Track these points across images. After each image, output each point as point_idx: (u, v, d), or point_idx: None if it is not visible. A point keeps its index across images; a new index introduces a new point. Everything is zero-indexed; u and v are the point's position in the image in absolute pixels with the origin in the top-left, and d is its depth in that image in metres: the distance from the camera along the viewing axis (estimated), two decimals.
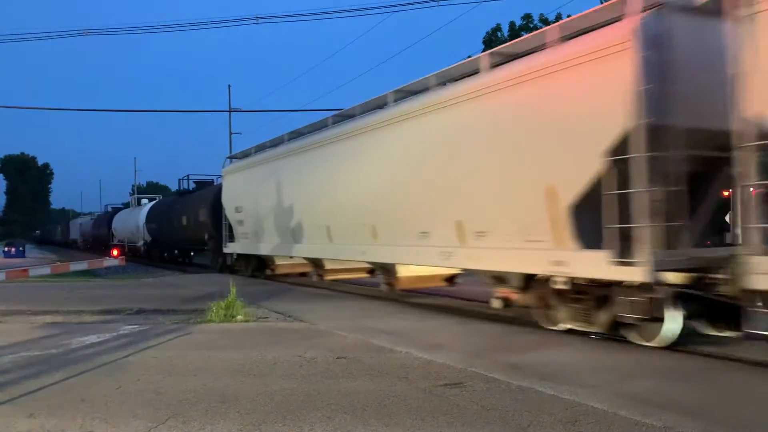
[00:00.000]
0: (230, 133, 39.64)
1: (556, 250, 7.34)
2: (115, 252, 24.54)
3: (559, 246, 7.34)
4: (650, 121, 6.21)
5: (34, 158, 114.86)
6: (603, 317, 7.08)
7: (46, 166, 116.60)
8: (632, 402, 4.68)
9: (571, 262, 7.15)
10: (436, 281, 11.78)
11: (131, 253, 33.09)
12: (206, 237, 21.61)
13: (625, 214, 6.45)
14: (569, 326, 7.58)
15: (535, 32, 8.53)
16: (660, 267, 6.25)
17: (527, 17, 32.43)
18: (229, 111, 39.15)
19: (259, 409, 4.70)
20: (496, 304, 8.72)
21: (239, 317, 9.31)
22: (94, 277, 20.33)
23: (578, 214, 7.11)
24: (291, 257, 15.59)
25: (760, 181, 5.54)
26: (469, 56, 10.97)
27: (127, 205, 47.16)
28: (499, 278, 8.56)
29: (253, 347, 7.15)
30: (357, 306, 11.23)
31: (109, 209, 48.69)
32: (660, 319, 6.46)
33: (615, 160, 6.51)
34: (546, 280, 7.66)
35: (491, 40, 31.77)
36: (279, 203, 14.84)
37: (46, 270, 12.13)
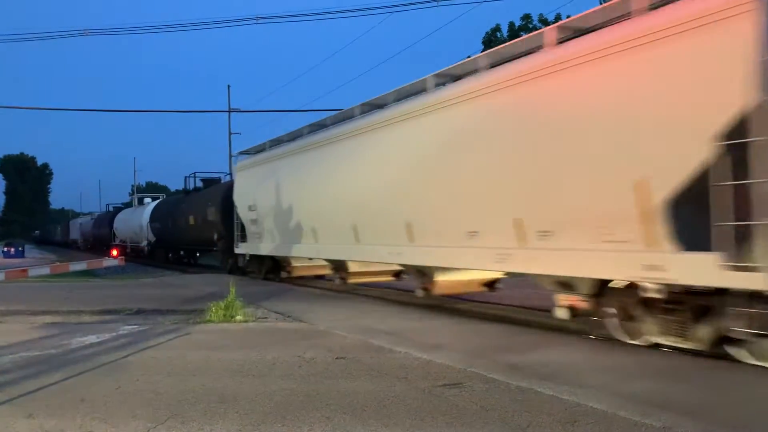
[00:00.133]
0: (230, 133, 39.70)
1: (648, 252, 6.26)
2: (114, 252, 24.35)
3: (650, 247, 6.25)
4: None
5: (33, 158, 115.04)
6: (704, 331, 6.10)
7: (45, 166, 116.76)
8: (632, 402, 4.67)
9: (669, 266, 6.06)
10: (474, 286, 10.70)
11: (134, 253, 32.44)
12: (215, 237, 20.70)
13: (741, 210, 5.44)
14: (657, 341, 6.60)
15: None
16: None
17: (526, 17, 32.48)
18: (229, 111, 39.17)
19: (258, 410, 4.69)
20: (560, 313, 7.69)
21: (238, 317, 9.30)
22: (94, 277, 20.31)
23: (676, 210, 6.03)
24: (310, 259, 14.78)
25: None
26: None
27: (127, 205, 46.59)
28: (565, 284, 7.51)
29: (252, 347, 7.14)
30: (356, 306, 11.22)
31: (111, 209, 47.91)
32: None
33: (729, 145, 5.46)
34: (627, 286, 6.75)
35: (490, 40, 31.80)
36: (297, 200, 13.91)
37: (46, 270, 12.14)
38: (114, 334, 8.31)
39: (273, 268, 16.90)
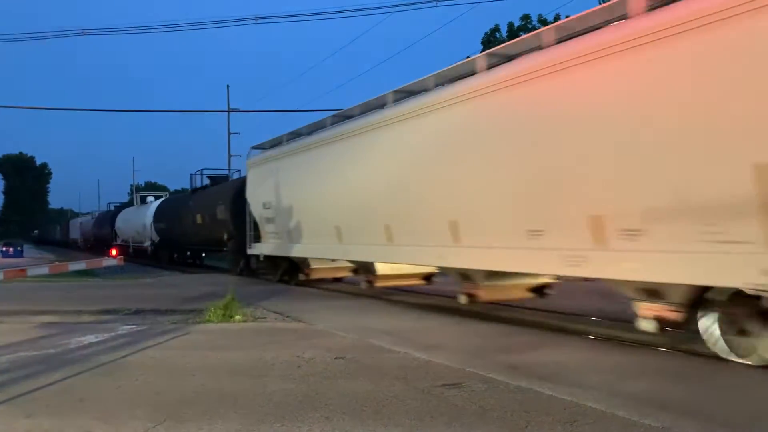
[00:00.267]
0: (229, 133, 39.77)
1: None
2: (113, 252, 24.19)
3: None
4: None
5: (32, 158, 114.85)
6: None
7: (44, 165, 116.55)
8: (631, 402, 4.67)
9: None
10: (520, 292, 9.45)
11: (136, 254, 31.47)
12: (225, 237, 19.69)
13: None
14: None
15: None
16: None
17: (526, 18, 32.51)
18: (228, 111, 39.25)
19: (257, 410, 4.69)
20: (647, 325, 6.55)
21: (237, 317, 9.30)
22: (93, 277, 20.30)
23: None
24: (333, 260, 13.85)
25: None
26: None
27: (127, 205, 45.97)
28: (653, 291, 6.45)
29: (251, 347, 7.14)
30: (355, 306, 11.22)
31: (112, 207, 46.85)
32: None
33: None
34: (734, 294, 5.79)
35: (489, 40, 31.82)
36: (320, 197, 12.80)
37: (44, 270, 12.13)
38: (113, 334, 8.30)
39: (290, 270, 15.83)
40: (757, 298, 5.53)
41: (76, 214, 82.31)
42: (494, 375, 5.58)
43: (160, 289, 14.69)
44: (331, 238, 12.50)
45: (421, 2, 28.55)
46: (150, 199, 34.30)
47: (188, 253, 28.39)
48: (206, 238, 22.21)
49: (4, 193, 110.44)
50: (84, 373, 6.00)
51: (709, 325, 6.10)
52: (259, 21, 24.81)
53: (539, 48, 7.60)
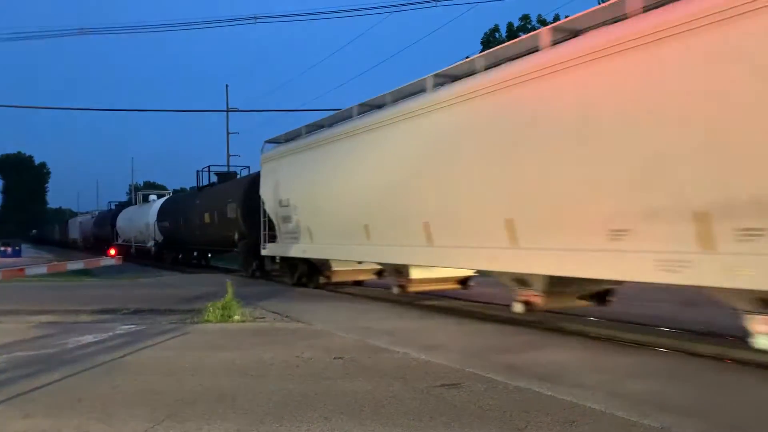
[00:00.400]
0: (228, 133, 39.73)
1: None
2: (112, 251, 24.01)
3: None
4: None
5: (30, 157, 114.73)
6: None
7: (42, 165, 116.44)
8: (630, 402, 4.67)
9: None
10: (585, 299, 8.41)
11: (139, 254, 30.36)
12: (236, 237, 18.66)
13: None
14: None
15: None
16: None
17: (525, 18, 32.51)
18: (227, 111, 39.21)
19: (256, 410, 4.68)
20: (763, 342, 5.64)
21: (236, 317, 9.29)
22: (91, 277, 20.29)
23: None
24: (359, 262, 12.86)
25: None
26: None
27: (126, 204, 45.35)
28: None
29: (250, 347, 7.13)
30: (354, 306, 11.21)
31: (113, 206, 45.58)
32: None
33: None
34: None
35: (489, 40, 31.84)
36: (346, 194, 11.76)
37: (43, 270, 12.08)
38: (111, 333, 8.29)
39: (309, 272, 14.74)
40: None
41: (75, 214, 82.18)
42: (494, 375, 5.57)
43: (159, 289, 14.67)
44: (358, 237, 11.43)
45: (422, 2, 28.56)
46: (153, 197, 33.22)
47: (195, 253, 27.43)
48: (214, 238, 21.19)
49: (3, 192, 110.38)
50: (82, 372, 5.99)
51: None
52: (258, 21, 24.84)
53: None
